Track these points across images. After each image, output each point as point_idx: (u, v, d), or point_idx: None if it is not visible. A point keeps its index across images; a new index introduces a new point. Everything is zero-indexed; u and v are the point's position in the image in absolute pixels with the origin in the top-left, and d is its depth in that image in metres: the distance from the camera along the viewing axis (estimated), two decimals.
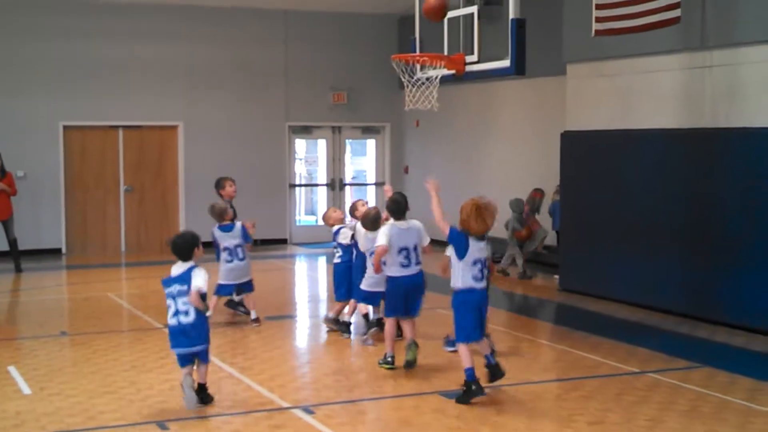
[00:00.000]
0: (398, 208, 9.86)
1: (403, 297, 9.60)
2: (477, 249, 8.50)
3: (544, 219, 15.90)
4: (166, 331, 11.01)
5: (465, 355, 8.40)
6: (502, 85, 17.89)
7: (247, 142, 20.38)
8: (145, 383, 8.97)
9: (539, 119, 17.23)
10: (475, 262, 8.48)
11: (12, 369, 9.50)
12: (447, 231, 8.65)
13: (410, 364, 9.43)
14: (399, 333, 9.97)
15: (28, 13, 18.56)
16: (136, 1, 19.13)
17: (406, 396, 8.62)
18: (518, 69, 10.73)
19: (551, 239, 15.79)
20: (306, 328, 12.22)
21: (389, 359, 9.55)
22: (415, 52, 11.96)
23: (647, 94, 12.98)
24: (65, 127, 19.03)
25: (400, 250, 9.54)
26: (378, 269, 9.57)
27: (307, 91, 20.88)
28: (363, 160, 22.94)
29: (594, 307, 13.06)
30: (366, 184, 22.31)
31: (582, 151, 13.96)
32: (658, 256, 12.56)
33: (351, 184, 22.24)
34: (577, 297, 13.75)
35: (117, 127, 19.59)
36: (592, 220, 13.76)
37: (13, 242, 16.69)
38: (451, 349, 9.75)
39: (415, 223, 9.89)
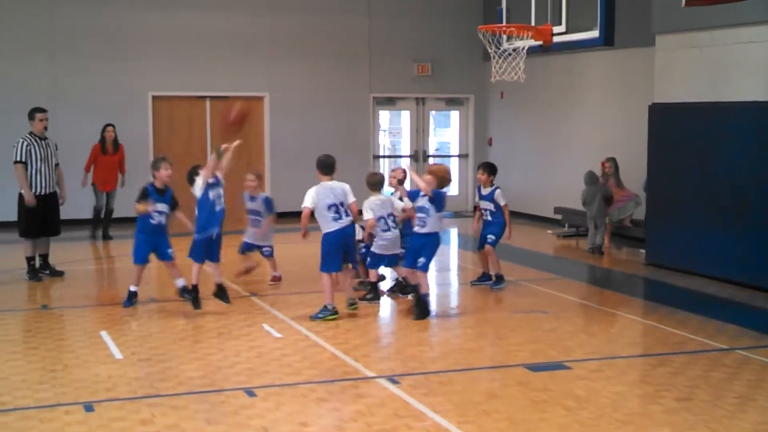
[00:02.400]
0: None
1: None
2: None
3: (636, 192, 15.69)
4: (253, 298, 11.28)
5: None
6: (589, 56, 17.66)
7: (331, 114, 20.47)
8: (232, 350, 9.12)
9: (626, 91, 16.98)
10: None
11: (104, 334, 9.74)
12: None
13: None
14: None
15: None
16: None
17: (491, 368, 8.64)
18: (607, 40, 10.62)
19: (639, 213, 15.58)
20: (389, 300, 12.28)
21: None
22: (501, 22, 11.89)
23: (739, 66, 12.70)
24: (154, 97, 19.33)
25: (329, 207, 10.55)
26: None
27: (391, 63, 20.88)
28: (447, 131, 22.88)
29: (681, 282, 12.89)
30: (450, 156, 22.26)
31: (670, 124, 13.73)
32: (747, 231, 12.33)
33: (435, 156, 22.20)
34: (663, 271, 13.58)
35: (204, 97, 19.83)
36: (679, 193, 13.54)
37: (109, 212, 17.10)
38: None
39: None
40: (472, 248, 15.39)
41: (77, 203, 16.89)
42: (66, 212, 14.08)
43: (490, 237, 12.11)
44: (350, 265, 10.88)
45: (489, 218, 12.20)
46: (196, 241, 10.89)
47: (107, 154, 16.93)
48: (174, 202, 11.26)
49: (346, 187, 10.78)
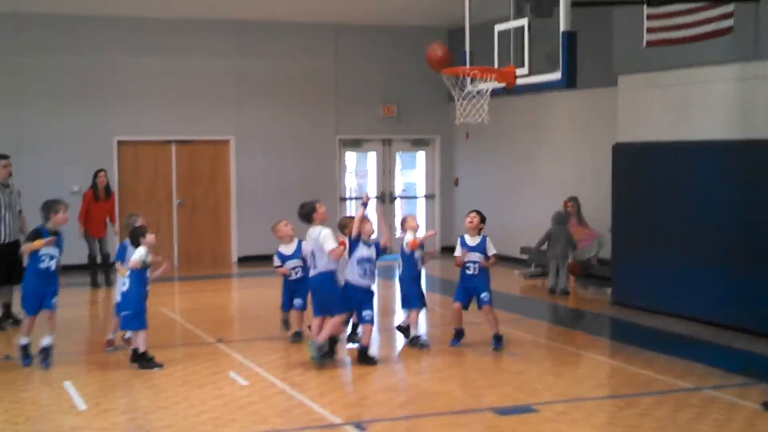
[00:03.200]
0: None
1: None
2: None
3: (601, 230, 15.74)
4: (220, 346, 11.18)
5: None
6: (553, 97, 17.80)
7: (297, 156, 20.48)
8: (199, 399, 9.02)
9: (590, 131, 17.12)
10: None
11: (68, 384, 9.61)
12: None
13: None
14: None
15: (83, 29, 18.82)
16: (188, 17, 19.32)
17: (459, 413, 8.58)
18: (569, 82, 10.63)
19: (605, 251, 15.63)
20: (356, 345, 12.19)
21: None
22: (465, 65, 11.91)
23: (700, 105, 12.85)
24: (119, 142, 19.27)
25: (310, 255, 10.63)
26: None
27: (357, 105, 20.96)
28: (413, 172, 22.93)
29: (647, 321, 12.92)
30: (416, 197, 22.30)
31: (634, 163, 13.84)
32: (712, 270, 12.40)
33: (401, 197, 22.24)
34: (629, 311, 13.61)
35: (170, 141, 19.80)
36: (644, 232, 13.62)
37: (106, 257, 16.70)
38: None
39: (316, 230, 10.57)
40: (441, 290, 15.38)
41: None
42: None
43: (485, 295, 11.12)
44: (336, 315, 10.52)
45: (475, 272, 11.24)
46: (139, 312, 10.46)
47: (100, 201, 16.67)
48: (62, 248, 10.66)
49: (319, 233, 10.49)
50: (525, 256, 18.00)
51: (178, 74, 19.52)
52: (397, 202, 21.95)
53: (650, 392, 9.15)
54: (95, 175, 16.79)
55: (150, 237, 10.57)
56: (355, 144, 21.51)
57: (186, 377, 9.90)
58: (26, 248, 10.52)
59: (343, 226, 11.39)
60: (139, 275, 10.40)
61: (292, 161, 20.41)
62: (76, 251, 16.76)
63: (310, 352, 10.25)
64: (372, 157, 21.88)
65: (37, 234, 10.47)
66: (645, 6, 12.64)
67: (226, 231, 20.10)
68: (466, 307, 11.27)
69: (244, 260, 20.03)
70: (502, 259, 19.01)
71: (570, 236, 15.50)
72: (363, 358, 10.39)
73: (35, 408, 8.81)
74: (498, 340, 11.13)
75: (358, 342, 10.85)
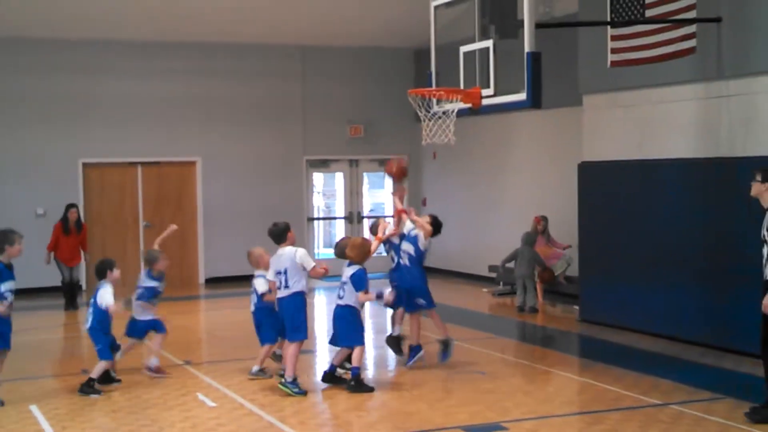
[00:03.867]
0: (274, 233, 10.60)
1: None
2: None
3: (568, 250, 15.85)
4: (187, 367, 11.11)
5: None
6: (519, 117, 17.92)
7: (265, 177, 20.47)
8: (167, 421, 8.97)
9: (556, 150, 17.25)
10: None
11: (34, 408, 9.52)
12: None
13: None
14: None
15: (46, 50, 18.76)
16: (154, 39, 19.29)
17: (430, 431, 8.58)
18: (534, 102, 10.72)
19: (573, 269, 15.72)
20: (325, 362, 12.17)
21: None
22: (431, 86, 11.99)
23: (664, 124, 12.99)
24: (84, 165, 19.17)
25: (276, 274, 10.25)
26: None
27: (325, 125, 21.00)
28: (381, 192, 22.96)
29: (615, 338, 13.00)
30: (384, 216, 22.29)
31: (600, 182, 13.96)
32: (678, 286, 12.51)
33: (369, 217, 22.24)
34: (597, 328, 13.70)
35: (136, 163, 19.72)
36: (610, 250, 13.72)
37: (75, 283, 16.86)
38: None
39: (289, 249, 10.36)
40: None
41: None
42: None
43: (421, 301, 11.20)
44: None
45: (406, 262, 11.35)
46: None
47: (70, 235, 16.57)
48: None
49: (295, 252, 10.31)
50: (493, 275, 18.07)
51: (144, 96, 19.48)
52: (365, 222, 21.95)
53: (618, 408, 9.21)
54: (66, 210, 16.66)
55: (116, 273, 10.55)
56: (323, 164, 21.53)
57: (154, 399, 9.84)
58: None
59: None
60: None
61: (260, 182, 20.40)
62: (46, 274, 16.74)
63: (287, 389, 9.95)
64: (339, 177, 21.91)
65: None
66: (609, 27, 12.80)
67: (194, 253, 20.03)
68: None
69: (211, 281, 19.97)
70: (471, 277, 19.21)
71: (536, 255, 15.60)
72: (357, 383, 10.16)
73: None
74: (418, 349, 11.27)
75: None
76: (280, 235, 10.54)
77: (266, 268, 10.64)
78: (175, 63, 19.71)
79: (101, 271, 10.53)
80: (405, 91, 12.26)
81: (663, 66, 12.21)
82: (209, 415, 9.20)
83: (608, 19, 12.78)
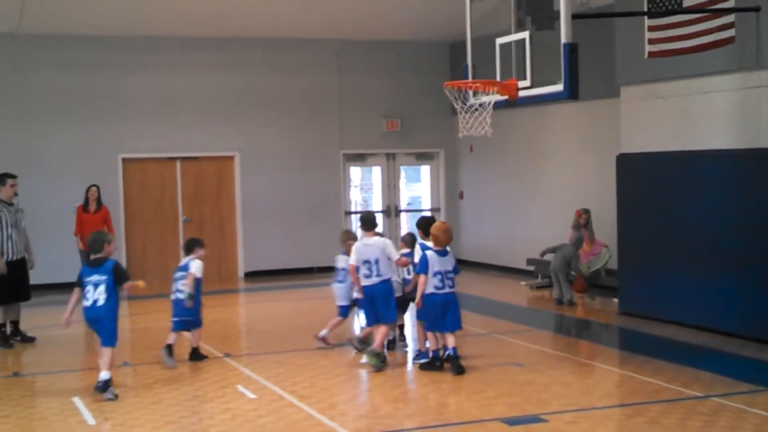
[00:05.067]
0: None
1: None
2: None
3: (607, 241, 15.75)
4: (227, 360, 11.20)
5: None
6: (555, 109, 17.86)
7: (302, 171, 20.54)
8: (207, 413, 9.05)
9: (592, 142, 17.17)
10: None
11: (77, 400, 9.64)
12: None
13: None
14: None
15: (86, 47, 18.94)
16: (192, 35, 19.42)
17: (467, 423, 8.60)
18: (571, 93, 10.68)
19: (613, 262, 15.63)
20: (364, 356, 12.21)
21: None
22: (467, 78, 11.98)
23: (702, 115, 12.89)
24: (124, 160, 19.35)
25: (365, 263, 10.80)
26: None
27: (361, 119, 21.03)
28: (418, 186, 22.99)
29: (654, 330, 12.93)
30: (421, 210, 22.34)
31: (638, 174, 13.88)
32: (718, 278, 12.42)
33: (406, 211, 22.28)
34: (637, 320, 13.63)
35: (175, 158, 19.87)
36: (650, 242, 13.65)
37: None
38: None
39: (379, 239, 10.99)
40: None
41: (46, 267, 16.71)
42: (36, 277, 13.94)
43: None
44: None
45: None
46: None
47: (89, 213, 16.81)
48: None
49: (381, 243, 10.91)
50: (531, 268, 18.03)
51: (183, 91, 19.62)
52: (403, 216, 22.00)
53: (659, 401, 9.16)
54: (87, 190, 16.83)
55: (202, 251, 11.67)
56: (360, 158, 21.57)
57: (194, 392, 9.93)
58: None
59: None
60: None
61: (297, 176, 20.47)
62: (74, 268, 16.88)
63: (371, 360, 10.73)
64: (377, 171, 21.94)
65: None
66: (646, 17, 12.72)
67: (233, 247, 20.15)
68: None
69: (250, 275, 20.08)
70: (509, 270, 19.17)
71: (575, 257, 15.53)
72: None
73: (44, 423, 8.84)
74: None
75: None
76: (372, 222, 11.15)
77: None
78: (213, 58, 19.83)
79: (190, 248, 11.60)
80: (441, 84, 12.25)
81: (701, 56, 12.13)
82: (249, 406, 9.27)
83: (645, 10, 12.71)
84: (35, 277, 13.92)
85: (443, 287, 10.46)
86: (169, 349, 11.18)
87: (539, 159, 18.94)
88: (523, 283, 17.74)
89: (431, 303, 10.47)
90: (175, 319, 11.40)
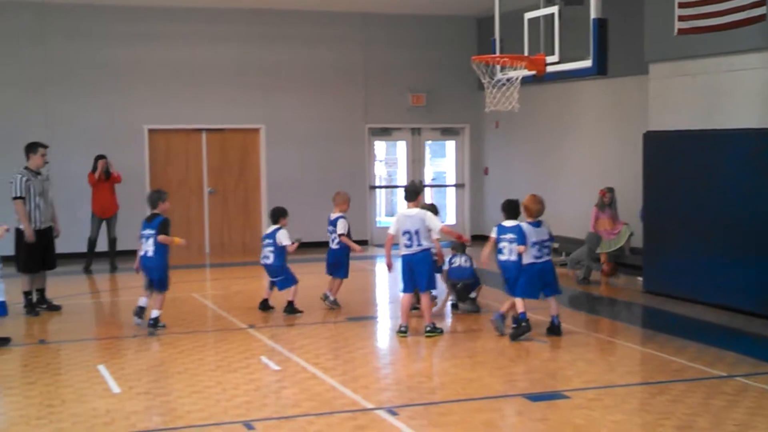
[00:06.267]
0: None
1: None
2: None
3: (631, 220, 15.67)
4: (250, 331, 11.27)
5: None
6: (583, 85, 17.75)
7: (327, 144, 20.55)
8: (231, 383, 9.10)
9: (621, 119, 17.06)
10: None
11: (102, 368, 9.72)
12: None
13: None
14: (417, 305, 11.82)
15: (114, 18, 18.97)
16: (219, 5, 19.41)
17: (490, 398, 8.61)
18: (600, 69, 10.64)
19: (637, 240, 15.55)
20: (387, 329, 12.26)
21: (403, 329, 11.16)
22: (495, 53, 11.93)
23: (732, 93, 12.78)
24: (150, 131, 19.40)
25: (405, 233, 11.09)
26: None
27: (386, 93, 20.99)
28: (442, 161, 22.95)
29: (679, 309, 12.89)
30: (446, 186, 22.31)
31: (665, 152, 13.79)
32: (743, 257, 12.35)
33: (431, 186, 22.25)
34: (661, 299, 13.59)
35: (200, 130, 19.91)
36: (676, 220, 13.58)
37: (112, 241, 17.34)
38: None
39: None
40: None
41: (72, 236, 16.84)
42: (61, 246, 14.04)
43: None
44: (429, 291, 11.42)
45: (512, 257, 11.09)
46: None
47: (100, 181, 17.06)
48: None
49: (422, 215, 11.15)
50: (556, 245, 17.96)
51: (208, 62, 19.63)
52: (427, 191, 21.96)
53: (682, 380, 9.14)
54: (96, 160, 17.18)
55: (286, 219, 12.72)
56: (385, 133, 21.54)
57: (218, 362, 9.98)
58: None
59: None
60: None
61: (322, 150, 20.48)
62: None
63: (434, 334, 11.12)
64: (401, 146, 21.91)
65: None
66: None
67: (257, 219, 20.21)
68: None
69: None
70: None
71: (595, 242, 15.51)
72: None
73: (70, 391, 8.91)
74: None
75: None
76: (416, 193, 11.43)
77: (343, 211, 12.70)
78: (239, 30, 19.82)
79: (276, 218, 12.61)
80: (467, 59, 12.20)
81: (731, 34, 11.99)
82: (273, 378, 9.33)
83: None
84: (61, 246, 14.03)
85: (541, 256, 10.94)
86: (265, 303, 12.67)
87: (565, 135, 18.85)
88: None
89: (530, 272, 10.90)
90: (271, 279, 12.71)
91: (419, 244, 11.06)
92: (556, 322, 11.14)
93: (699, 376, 9.27)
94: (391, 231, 11.32)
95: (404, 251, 11.16)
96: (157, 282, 11.59)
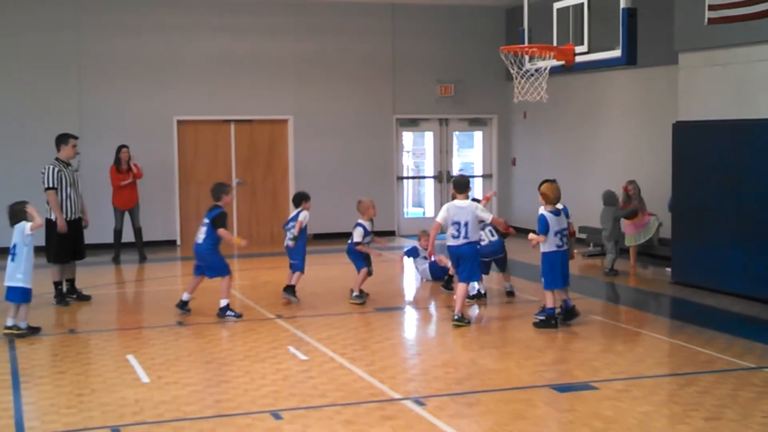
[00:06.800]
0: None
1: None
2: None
3: (660, 211, 15.59)
4: (278, 321, 11.31)
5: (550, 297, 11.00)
6: (612, 75, 17.66)
7: (355, 135, 20.56)
8: (259, 373, 9.14)
9: (650, 109, 16.96)
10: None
11: (131, 357, 9.79)
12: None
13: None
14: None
15: (144, 10, 19.06)
16: None
17: (517, 389, 8.61)
18: (629, 59, 10.58)
19: (666, 231, 15.46)
20: (414, 319, 12.26)
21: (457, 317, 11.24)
22: (523, 43, 11.90)
23: (762, 83, 12.67)
24: (179, 122, 19.48)
25: (454, 224, 11.18)
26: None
27: (414, 84, 20.96)
28: (470, 152, 22.89)
29: (708, 300, 12.82)
30: (473, 176, 22.25)
31: (695, 142, 13.70)
32: None
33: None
34: (689, 290, 13.52)
35: (229, 121, 19.97)
36: (704, 211, 13.49)
37: (138, 231, 17.47)
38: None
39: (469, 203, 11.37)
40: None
41: (101, 227, 16.98)
42: (90, 237, 14.14)
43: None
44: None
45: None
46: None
47: (122, 173, 17.19)
48: None
49: (473, 207, 11.24)
50: (583, 236, 17.91)
51: (237, 54, 19.67)
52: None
53: (711, 371, 9.10)
54: (118, 151, 17.29)
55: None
56: (413, 123, 21.51)
57: (246, 352, 10.03)
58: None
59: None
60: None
61: (350, 140, 20.49)
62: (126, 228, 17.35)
63: (461, 323, 11.17)
64: (429, 136, 21.88)
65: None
66: None
67: (285, 209, 20.19)
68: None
69: None
70: None
71: (626, 214, 15.35)
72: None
73: (100, 380, 8.98)
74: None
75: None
76: (465, 185, 11.44)
77: (369, 218, 12.69)
78: (267, 21, 19.85)
79: (298, 202, 12.87)
80: (496, 50, 12.17)
81: (762, 23, 11.88)
82: (300, 367, 9.36)
83: None
84: (91, 237, 14.14)
85: (563, 245, 11.06)
86: (289, 289, 12.76)
87: (594, 126, 18.76)
88: (575, 251, 17.61)
89: (553, 261, 11.02)
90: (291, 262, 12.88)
91: (466, 236, 11.11)
92: (568, 304, 11.25)
93: (728, 368, 9.22)
94: (439, 219, 11.37)
95: (451, 242, 11.26)
96: (206, 268, 11.96)
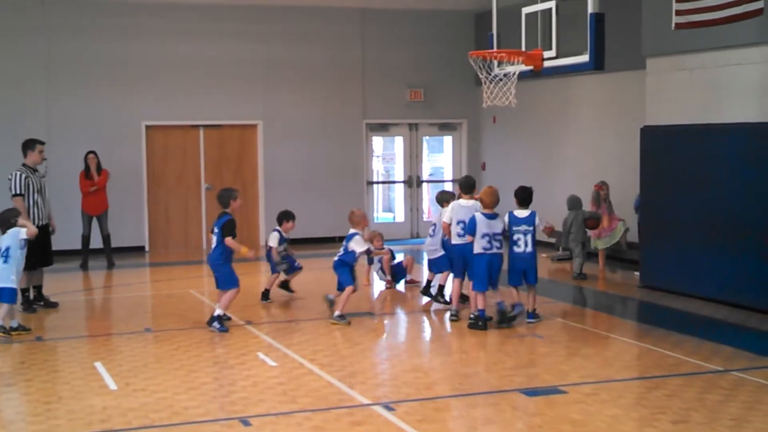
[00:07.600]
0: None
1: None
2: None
3: (628, 215, 15.70)
4: (248, 327, 11.27)
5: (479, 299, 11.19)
6: (580, 80, 17.74)
7: (325, 140, 20.54)
8: (228, 379, 9.10)
9: (618, 114, 17.06)
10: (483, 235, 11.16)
11: (98, 365, 9.71)
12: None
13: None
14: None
15: (113, 14, 18.95)
16: (218, 2, 19.39)
17: (486, 393, 8.61)
18: (597, 64, 10.64)
19: (633, 235, 15.56)
20: (384, 324, 12.26)
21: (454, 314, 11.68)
22: (492, 48, 11.93)
23: (729, 87, 12.77)
24: (147, 127, 19.38)
25: (458, 223, 11.49)
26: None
27: (384, 89, 20.97)
28: (440, 156, 22.93)
29: (675, 304, 12.89)
30: (443, 181, 22.29)
31: (662, 146, 13.79)
32: (740, 252, 12.35)
33: (428, 181, 22.24)
34: (658, 293, 13.59)
35: (198, 126, 19.89)
36: (672, 215, 13.57)
37: (106, 237, 17.33)
38: None
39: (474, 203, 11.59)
40: None
41: (68, 234, 16.85)
42: (57, 243, 14.02)
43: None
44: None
45: (528, 248, 11.58)
46: None
47: (91, 180, 17.09)
48: None
49: (478, 207, 11.41)
50: (552, 240, 17.96)
51: (206, 59, 19.61)
52: (424, 186, 21.97)
53: (678, 374, 9.15)
54: (85, 157, 17.21)
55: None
56: (382, 128, 21.52)
57: (215, 358, 9.99)
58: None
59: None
60: None
61: (320, 145, 20.47)
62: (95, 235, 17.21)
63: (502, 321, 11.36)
64: (399, 141, 21.89)
65: None
66: None
67: (254, 215, 20.19)
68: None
69: None
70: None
71: (590, 216, 15.40)
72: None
73: (67, 388, 8.91)
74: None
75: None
76: (471, 186, 11.79)
77: (363, 228, 12.20)
78: (237, 26, 19.80)
79: (280, 221, 13.25)
80: (465, 54, 12.21)
81: (729, 28, 11.98)
82: (270, 374, 9.32)
83: None
84: (59, 243, 14.03)
85: (491, 248, 11.18)
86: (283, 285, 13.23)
87: (563, 130, 18.84)
88: (543, 255, 17.69)
89: (480, 263, 11.21)
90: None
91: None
92: (501, 307, 11.41)
93: (695, 371, 9.27)
94: (446, 219, 11.70)
95: (456, 240, 11.58)
96: (219, 280, 11.59)
